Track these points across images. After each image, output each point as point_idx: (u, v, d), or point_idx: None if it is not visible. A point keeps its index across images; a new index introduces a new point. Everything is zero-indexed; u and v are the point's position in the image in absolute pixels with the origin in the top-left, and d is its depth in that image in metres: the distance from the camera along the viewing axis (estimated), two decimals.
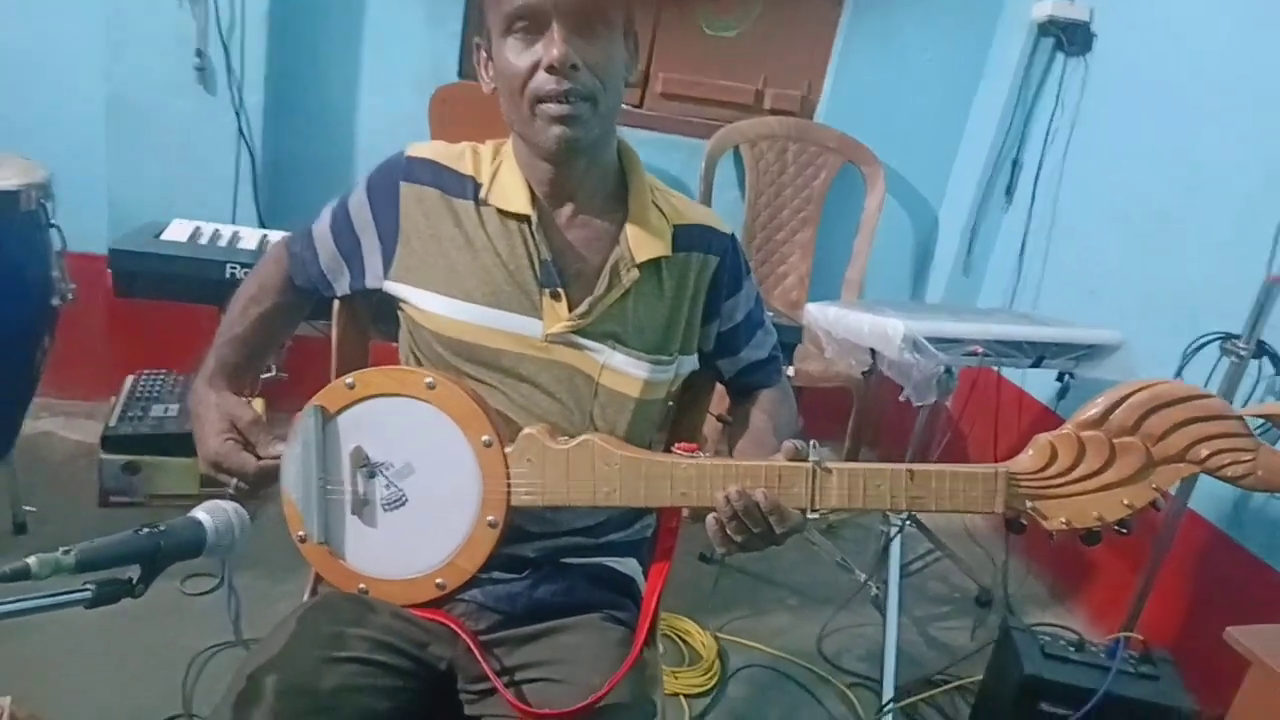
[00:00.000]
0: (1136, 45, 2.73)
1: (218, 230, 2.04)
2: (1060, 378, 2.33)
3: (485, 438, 1.04)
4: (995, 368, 2.64)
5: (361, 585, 1.11)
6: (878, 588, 2.45)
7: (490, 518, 1.05)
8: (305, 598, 1.26)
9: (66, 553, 0.80)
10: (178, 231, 1.99)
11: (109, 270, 1.79)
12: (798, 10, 3.09)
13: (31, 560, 0.77)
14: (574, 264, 1.13)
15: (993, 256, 3.29)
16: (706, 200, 3.02)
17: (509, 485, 1.04)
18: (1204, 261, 2.35)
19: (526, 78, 1.03)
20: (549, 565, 1.17)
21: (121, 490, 2.39)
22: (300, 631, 1.07)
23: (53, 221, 2.00)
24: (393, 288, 1.16)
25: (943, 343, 2.01)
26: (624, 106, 2.97)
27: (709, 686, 2.15)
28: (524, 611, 1.15)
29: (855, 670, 2.29)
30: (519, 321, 1.11)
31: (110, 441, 2.36)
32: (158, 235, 1.95)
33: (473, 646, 1.08)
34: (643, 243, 1.13)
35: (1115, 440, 0.91)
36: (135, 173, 2.62)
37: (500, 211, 1.12)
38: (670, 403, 1.30)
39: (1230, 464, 0.89)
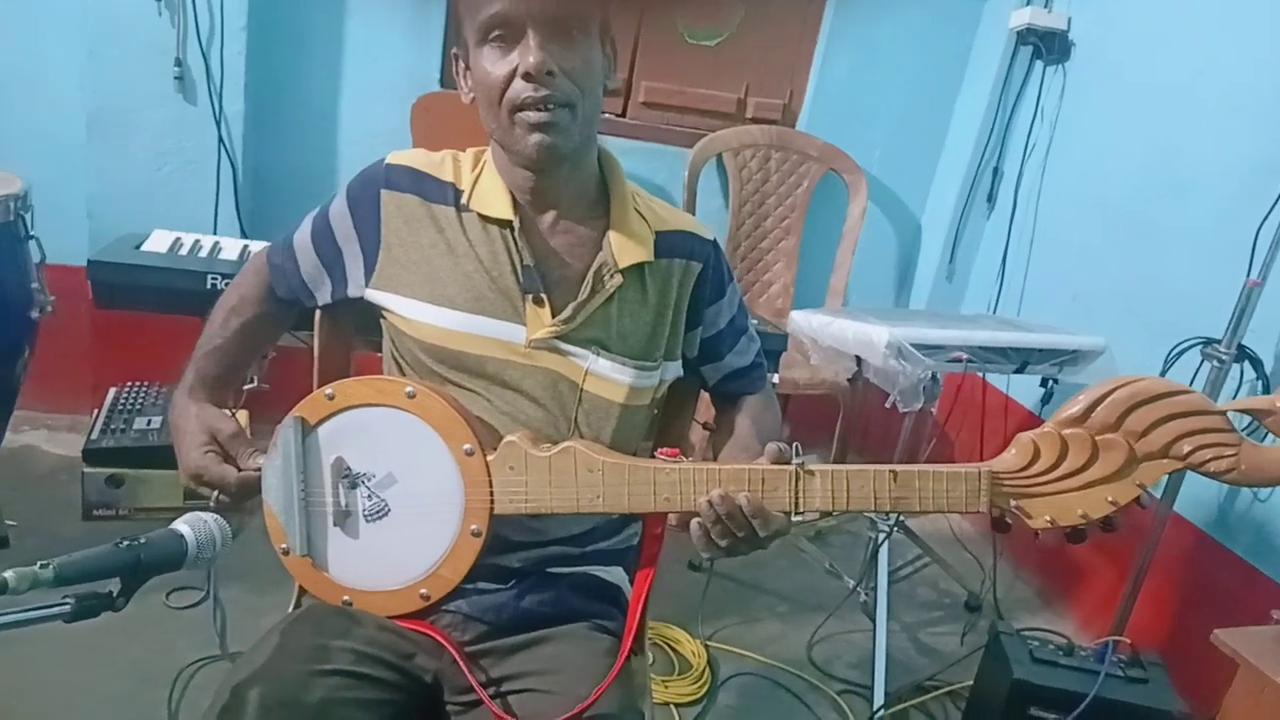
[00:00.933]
0: (1114, 53, 2.75)
1: (198, 241, 2.02)
2: (1044, 383, 2.34)
3: (467, 446, 1.03)
4: (980, 374, 2.65)
5: (346, 597, 1.10)
6: (866, 594, 2.45)
7: (474, 527, 1.04)
8: (290, 610, 1.24)
9: (45, 566, 0.79)
10: (158, 242, 1.98)
11: (89, 282, 1.78)
12: (779, 19, 3.11)
13: (9, 574, 0.76)
14: (557, 270, 1.13)
15: (975, 263, 3.31)
16: (690, 209, 3.02)
17: (492, 494, 1.03)
18: (1185, 266, 2.37)
19: (504, 86, 1.03)
20: (534, 575, 1.16)
21: (105, 503, 2.37)
22: (284, 644, 1.06)
23: (31, 233, 1.98)
24: (375, 296, 1.15)
25: (927, 349, 2.02)
26: (607, 115, 3.02)
27: (699, 695, 2.14)
28: (510, 622, 1.14)
29: (846, 677, 2.29)
30: (502, 328, 1.11)
31: (92, 454, 2.35)
32: (138, 246, 1.94)
33: (458, 658, 1.07)
34: (625, 249, 1.12)
35: (1098, 437, 0.91)
36: (115, 184, 2.60)
37: (482, 217, 1.12)
38: (655, 410, 1.30)
39: (1213, 459, 0.90)
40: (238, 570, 1.95)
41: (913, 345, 1.99)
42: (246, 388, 1.70)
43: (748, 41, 3.11)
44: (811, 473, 0.97)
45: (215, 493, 1.10)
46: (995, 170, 3.18)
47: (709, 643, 2.31)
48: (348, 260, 1.17)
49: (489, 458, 1.03)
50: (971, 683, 2.14)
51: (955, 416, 2.83)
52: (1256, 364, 2.06)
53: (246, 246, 2.04)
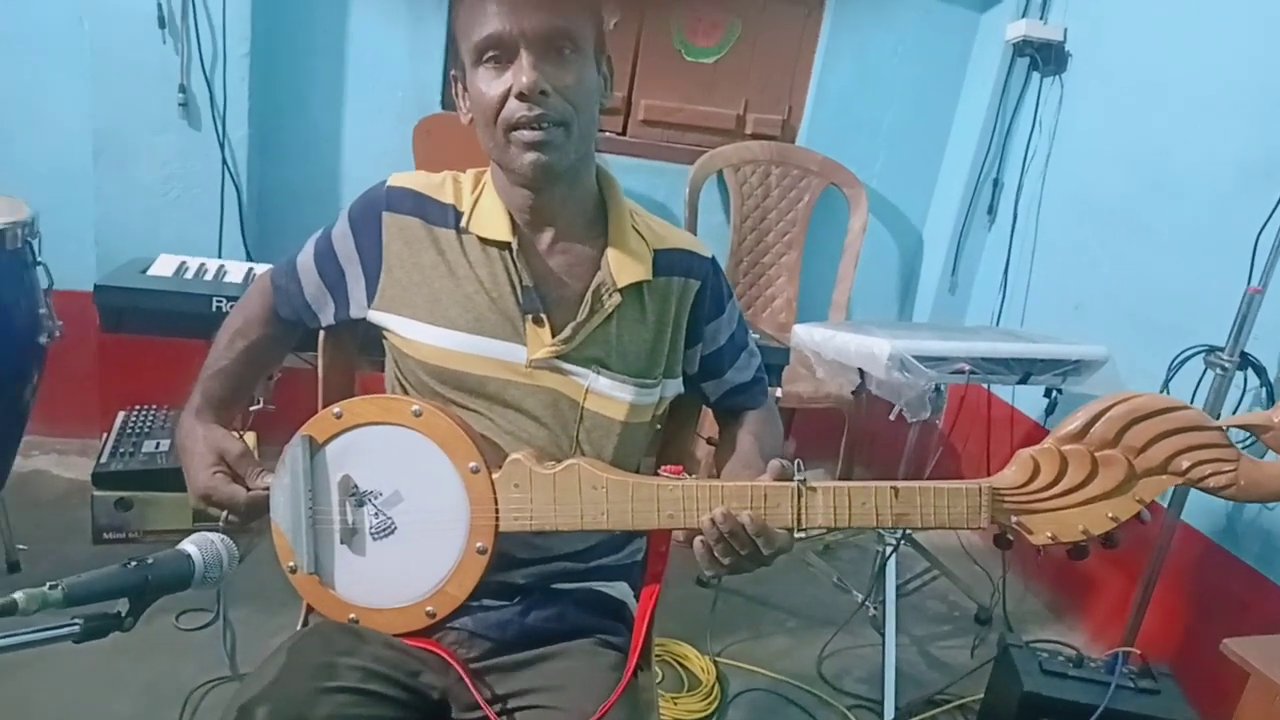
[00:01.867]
0: (1109, 62, 2.77)
1: (204, 264, 2.04)
2: (1048, 394, 2.34)
3: (472, 464, 1.04)
4: (985, 385, 2.65)
5: (352, 615, 1.11)
6: (875, 608, 2.44)
7: (479, 544, 1.05)
8: (298, 629, 1.25)
9: (53, 587, 0.80)
10: (164, 266, 1.99)
11: (95, 306, 1.80)
12: (776, 35, 3.13)
13: (18, 595, 0.76)
14: (556, 290, 1.14)
15: (978, 275, 3.31)
16: (692, 225, 3.04)
17: (497, 511, 1.04)
18: (1187, 273, 2.37)
19: (499, 106, 1.04)
20: (539, 591, 1.16)
21: (115, 527, 2.38)
22: (291, 662, 1.06)
23: (39, 259, 2.00)
24: (377, 317, 1.16)
25: (930, 361, 2.02)
26: (607, 134, 3.04)
27: (709, 712, 2.14)
28: (515, 638, 1.14)
29: (856, 692, 2.28)
30: (503, 348, 1.12)
31: (102, 478, 2.36)
32: (144, 271, 1.95)
33: (464, 675, 1.07)
34: (624, 267, 1.13)
35: (1097, 454, 0.92)
36: (122, 209, 2.63)
37: (481, 239, 1.13)
38: (658, 426, 1.31)
39: (1212, 475, 0.90)
40: (247, 591, 1.96)
41: (915, 357, 1.99)
42: (252, 409, 1.71)
43: (746, 58, 3.14)
44: (814, 489, 0.97)
45: (224, 513, 1.11)
46: (995, 181, 3.19)
47: (718, 659, 2.31)
48: (350, 282, 1.18)
49: (494, 476, 1.04)
50: (982, 696, 2.13)
51: (961, 428, 2.84)
52: (1260, 371, 2.05)
53: (251, 269, 2.06)
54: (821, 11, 3.14)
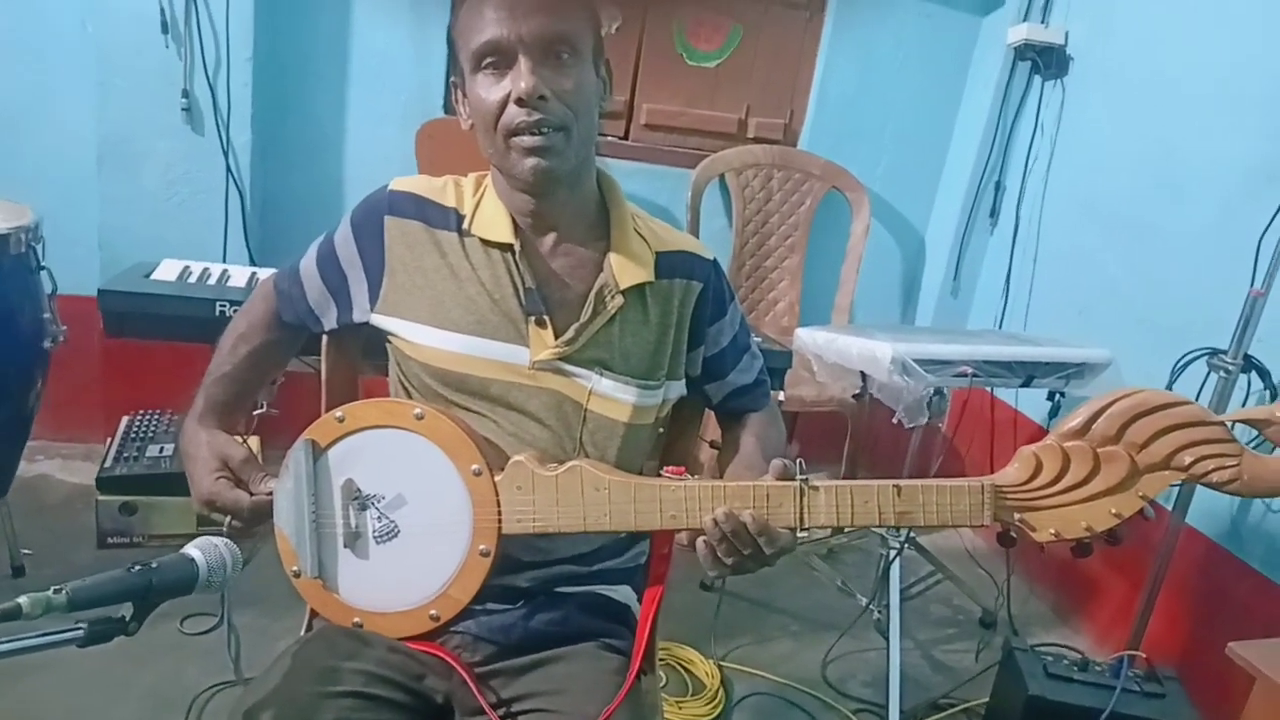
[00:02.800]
0: (1111, 67, 2.77)
1: (207, 269, 2.05)
2: (1051, 396, 2.34)
3: (475, 466, 1.04)
4: (988, 388, 2.65)
5: (356, 619, 1.10)
6: (879, 612, 2.44)
7: (482, 547, 1.04)
8: (302, 634, 1.25)
9: (58, 591, 0.80)
10: (167, 271, 2.00)
11: (99, 311, 1.80)
12: (777, 40, 3.14)
13: (23, 600, 0.77)
14: (558, 291, 1.14)
15: (980, 278, 3.31)
16: (694, 229, 3.04)
17: (500, 513, 1.04)
18: (1190, 277, 2.37)
19: (498, 111, 1.04)
20: (543, 595, 1.16)
21: (119, 531, 2.38)
22: (295, 667, 1.06)
23: (43, 264, 2.01)
24: (380, 321, 1.17)
25: (931, 364, 2.02)
26: (609, 138, 3.05)
27: (713, 716, 2.13)
28: (519, 642, 1.14)
29: (860, 696, 2.28)
30: (506, 350, 1.12)
31: (106, 483, 2.36)
32: (147, 275, 1.96)
33: (468, 679, 1.07)
34: (626, 269, 1.14)
35: (1099, 450, 0.92)
36: (125, 214, 2.64)
37: (484, 242, 1.13)
38: (661, 429, 1.31)
39: (1215, 470, 0.90)
40: (252, 596, 1.96)
41: (917, 361, 1.99)
42: (256, 413, 1.71)
43: (748, 62, 3.14)
44: (816, 488, 0.97)
45: (228, 518, 1.12)
46: (997, 185, 3.19)
47: (722, 663, 2.30)
48: (353, 286, 1.19)
49: (496, 478, 1.04)
50: (987, 700, 2.13)
51: (964, 431, 2.83)
52: (1264, 374, 2.05)
53: (254, 274, 2.06)
54: (823, 15, 3.15)
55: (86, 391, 2.74)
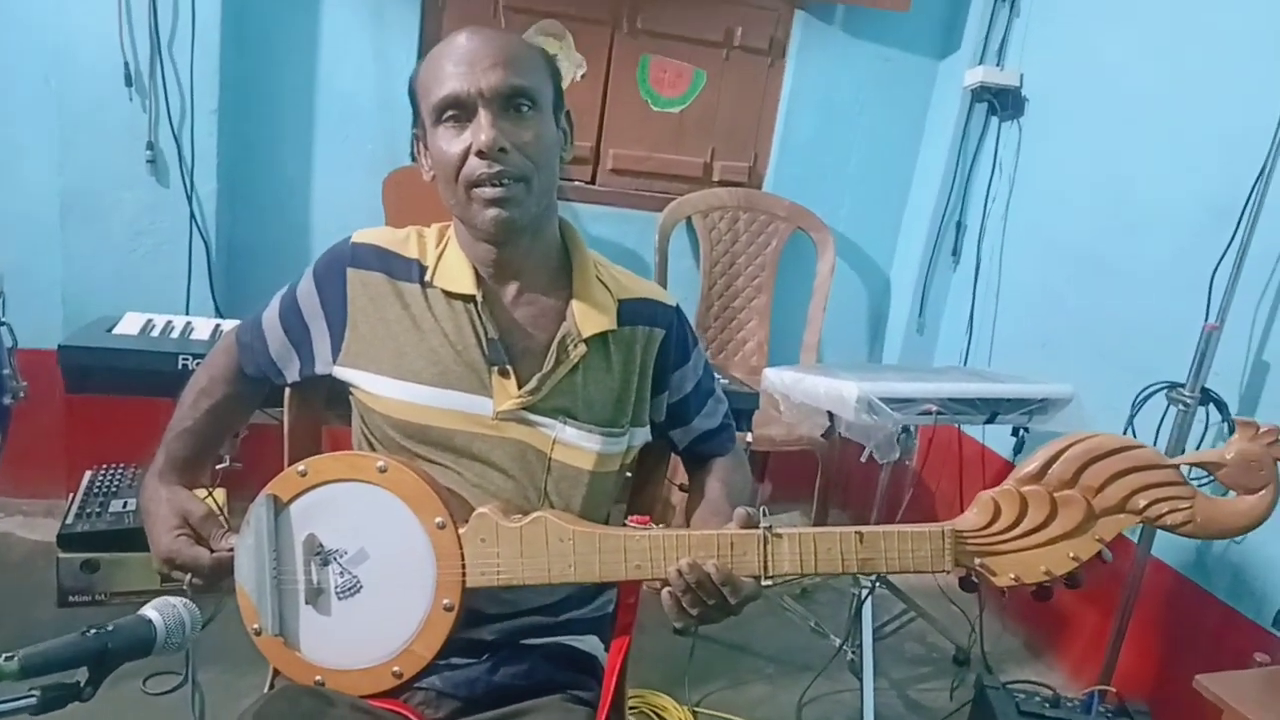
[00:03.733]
0: (1065, 108, 2.84)
1: (170, 322, 2.03)
2: (1015, 432, 2.36)
3: (438, 519, 1.04)
4: (957, 425, 2.67)
5: (318, 677, 1.09)
6: (853, 652, 2.43)
7: (446, 601, 1.04)
8: (265, 691, 1.23)
9: (9, 659, 0.79)
10: (130, 325, 1.98)
11: (59, 367, 1.78)
12: (740, 85, 3.19)
13: None
14: (521, 341, 1.15)
15: (945, 316, 3.36)
16: (662, 271, 3.06)
17: (463, 566, 1.03)
18: (1148, 312, 2.41)
19: (459, 163, 1.06)
20: (508, 647, 1.15)
21: (81, 589, 2.33)
22: None
23: (3, 319, 1.98)
24: (342, 373, 1.16)
25: (896, 403, 2.04)
26: (577, 183, 3.07)
27: None
28: (484, 696, 1.13)
29: None
30: (469, 400, 1.12)
31: (67, 540, 2.31)
32: (110, 329, 1.94)
33: None
34: (588, 318, 1.15)
35: (1056, 494, 0.93)
36: (90, 267, 2.61)
37: (446, 293, 1.14)
38: (628, 474, 1.31)
39: (1169, 513, 0.91)
40: (216, 653, 1.92)
41: (882, 399, 2.01)
42: (219, 466, 1.69)
43: (711, 107, 3.19)
44: (779, 536, 0.98)
45: (188, 576, 1.10)
46: (958, 224, 3.25)
47: (697, 709, 2.28)
48: (315, 338, 1.18)
49: (460, 530, 1.04)
50: None
51: (933, 467, 2.85)
52: (1221, 407, 2.09)
53: (219, 325, 2.05)
54: (784, 61, 3.21)
55: (49, 447, 2.69)
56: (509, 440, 1.13)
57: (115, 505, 2.43)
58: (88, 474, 2.60)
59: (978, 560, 0.96)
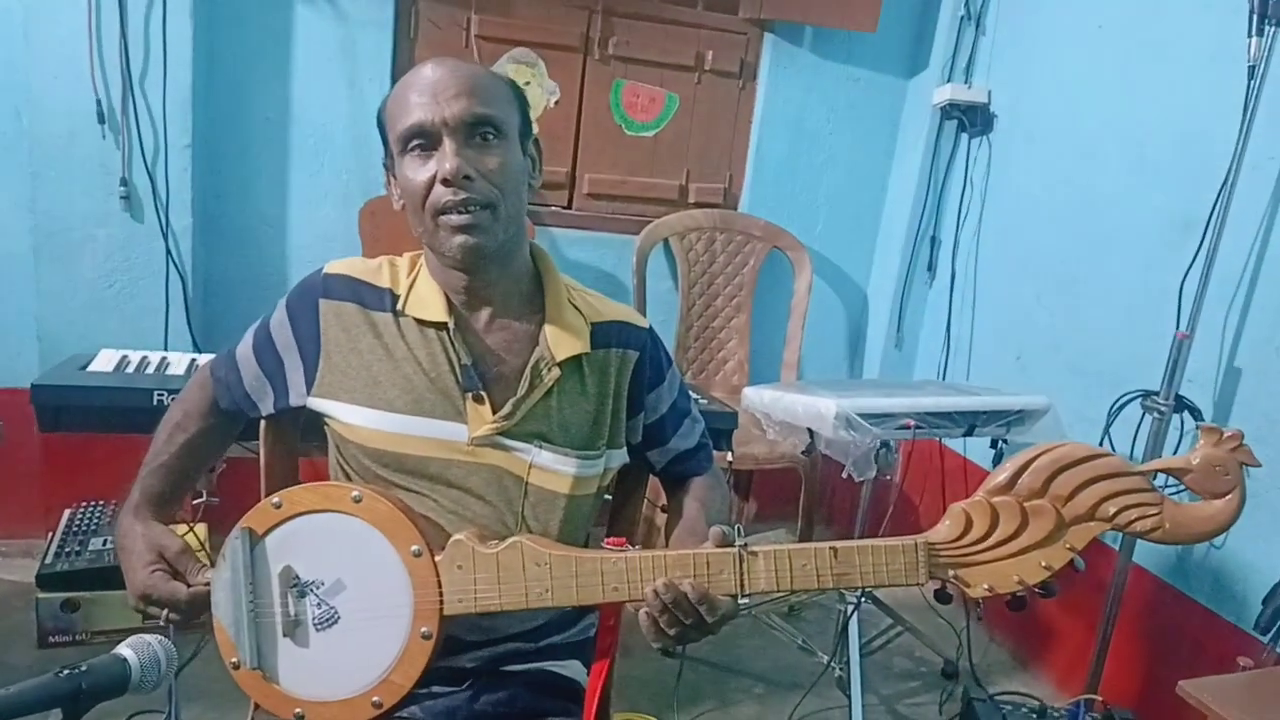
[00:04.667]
0: (1032, 124, 2.88)
1: (146, 358, 2.02)
2: (994, 444, 2.38)
3: (414, 547, 1.03)
4: (938, 439, 2.69)
5: (298, 710, 1.08)
6: (841, 669, 2.43)
7: (424, 629, 1.03)
8: None
9: None
10: (104, 362, 1.96)
11: (32, 406, 1.76)
12: (713, 108, 3.22)
13: None
14: (495, 367, 1.15)
15: (922, 330, 3.38)
16: (641, 294, 3.07)
17: (441, 594, 1.03)
18: (1120, 320, 2.44)
19: (425, 192, 1.07)
20: (488, 675, 1.15)
21: (61, 629, 2.30)
22: None
23: None
24: (316, 404, 1.16)
25: (875, 418, 2.05)
26: (553, 208, 3.08)
27: None
28: None
29: None
30: (443, 427, 1.12)
31: (46, 579, 2.28)
32: (84, 367, 1.92)
33: None
34: (562, 341, 1.15)
35: (1026, 504, 0.94)
36: (64, 304, 2.59)
37: (418, 321, 1.14)
38: (607, 496, 1.31)
39: (1138, 519, 0.92)
40: (198, 690, 1.91)
41: (860, 415, 2.02)
42: (197, 501, 1.68)
43: (685, 130, 3.22)
44: (755, 554, 0.98)
45: (165, 612, 1.10)
46: (933, 239, 3.28)
47: None
48: (289, 370, 1.19)
49: (437, 558, 1.04)
50: None
51: (916, 481, 2.86)
52: (1195, 413, 2.11)
53: (194, 360, 2.04)
54: (755, 83, 3.24)
55: (26, 486, 2.67)
56: (485, 466, 1.13)
57: (95, 543, 2.40)
58: (66, 512, 2.57)
59: (952, 572, 0.96)
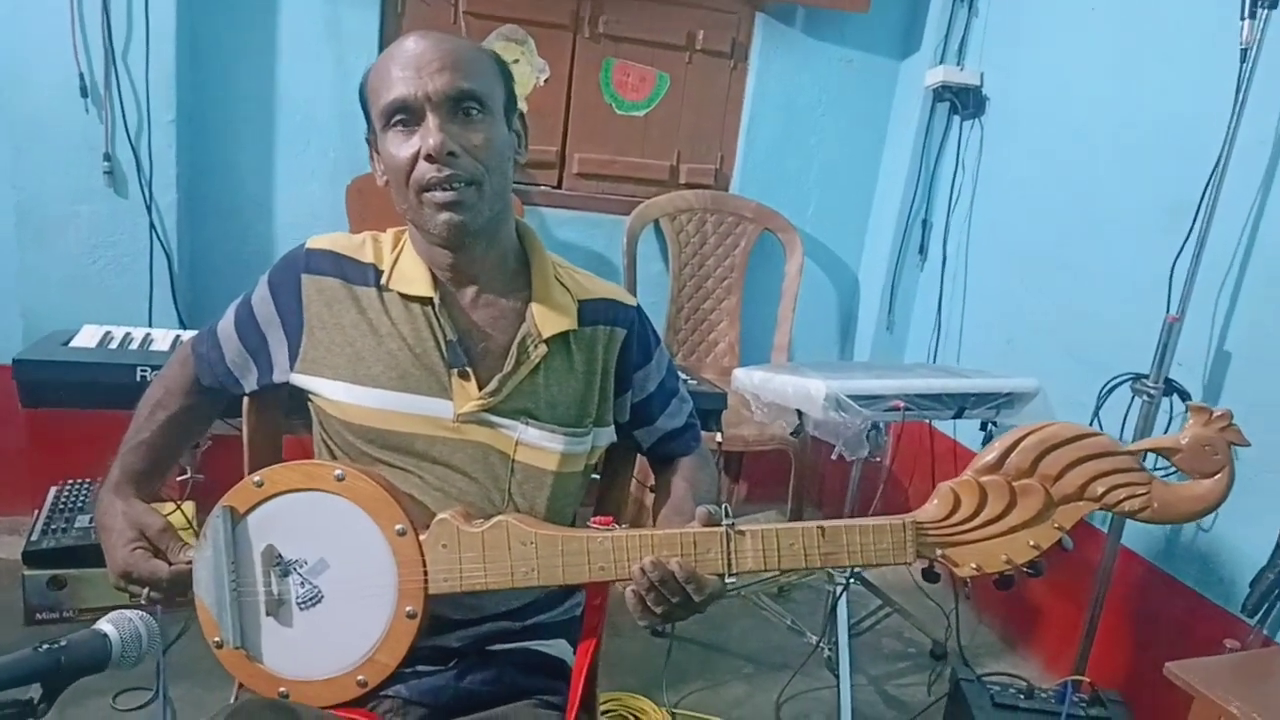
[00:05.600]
0: (1024, 107, 2.87)
1: (129, 334, 2.00)
2: (984, 426, 2.38)
3: (398, 526, 1.03)
4: (927, 421, 2.69)
5: (282, 689, 1.07)
6: (830, 649, 2.43)
7: (409, 608, 1.03)
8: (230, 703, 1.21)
9: None
10: (87, 338, 1.95)
11: (14, 381, 1.75)
12: (704, 88, 3.20)
13: None
14: (481, 343, 1.14)
15: (914, 313, 3.37)
16: (631, 274, 3.06)
17: (425, 573, 1.02)
18: (1110, 303, 2.44)
19: (409, 168, 1.05)
20: (474, 654, 1.14)
21: (47, 606, 2.29)
22: None
23: None
24: (300, 380, 1.15)
25: (864, 400, 2.04)
26: (543, 187, 3.06)
27: None
28: (451, 704, 1.12)
29: None
30: (429, 404, 1.11)
31: (32, 556, 2.27)
32: (66, 343, 1.91)
33: None
34: (548, 319, 1.14)
35: (1014, 483, 0.93)
36: (48, 280, 2.57)
37: (403, 296, 1.13)
38: (595, 475, 1.30)
39: (1126, 499, 0.92)
40: (186, 668, 1.90)
41: (850, 396, 2.02)
42: (181, 479, 1.67)
43: (675, 110, 3.19)
44: (742, 533, 0.98)
45: (145, 590, 1.09)
46: (924, 222, 3.27)
47: (675, 710, 2.27)
48: (272, 346, 1.17)
49: (421, 537, 1.03)
50: None
51: (905, 463, 2.86)
52: (1184, 396, 2.11)
53: (178, 336, 2.02)
54: (746, 63, 3.21)
55: (11, 463, 2.65)
56: (471, 443, 1.12)
57: (82, 520, 2.39)
58: (53, 489, 2.55)
59: (939, 551, 0.96)
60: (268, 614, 1.06)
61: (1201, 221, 2.00)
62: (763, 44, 3.17)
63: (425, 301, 1.12)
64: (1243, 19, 1.89)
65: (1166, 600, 2.24)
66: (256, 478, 1.06)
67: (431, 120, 1.03)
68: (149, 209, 2.58)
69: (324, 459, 1.18)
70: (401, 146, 1.05)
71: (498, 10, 2.91)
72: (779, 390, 2.20)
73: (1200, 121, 2.13)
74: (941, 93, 3.07)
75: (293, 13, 2.72)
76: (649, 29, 3.08)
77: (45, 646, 0.84)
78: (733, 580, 0.99)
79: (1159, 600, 2.26)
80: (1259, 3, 1.87)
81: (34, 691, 0.82)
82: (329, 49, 2.76)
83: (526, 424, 1.13)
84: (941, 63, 3.07)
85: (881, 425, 2.16)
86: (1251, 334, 2.06)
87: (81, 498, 2.51)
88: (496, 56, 1.13)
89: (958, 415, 2.19)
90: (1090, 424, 2.23)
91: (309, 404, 1.19)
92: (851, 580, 2.44)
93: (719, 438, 2.22)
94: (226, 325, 1.21)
